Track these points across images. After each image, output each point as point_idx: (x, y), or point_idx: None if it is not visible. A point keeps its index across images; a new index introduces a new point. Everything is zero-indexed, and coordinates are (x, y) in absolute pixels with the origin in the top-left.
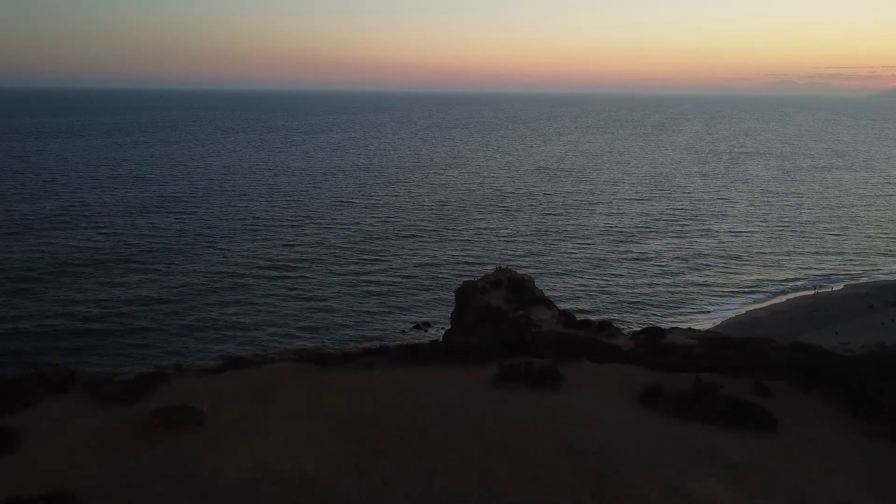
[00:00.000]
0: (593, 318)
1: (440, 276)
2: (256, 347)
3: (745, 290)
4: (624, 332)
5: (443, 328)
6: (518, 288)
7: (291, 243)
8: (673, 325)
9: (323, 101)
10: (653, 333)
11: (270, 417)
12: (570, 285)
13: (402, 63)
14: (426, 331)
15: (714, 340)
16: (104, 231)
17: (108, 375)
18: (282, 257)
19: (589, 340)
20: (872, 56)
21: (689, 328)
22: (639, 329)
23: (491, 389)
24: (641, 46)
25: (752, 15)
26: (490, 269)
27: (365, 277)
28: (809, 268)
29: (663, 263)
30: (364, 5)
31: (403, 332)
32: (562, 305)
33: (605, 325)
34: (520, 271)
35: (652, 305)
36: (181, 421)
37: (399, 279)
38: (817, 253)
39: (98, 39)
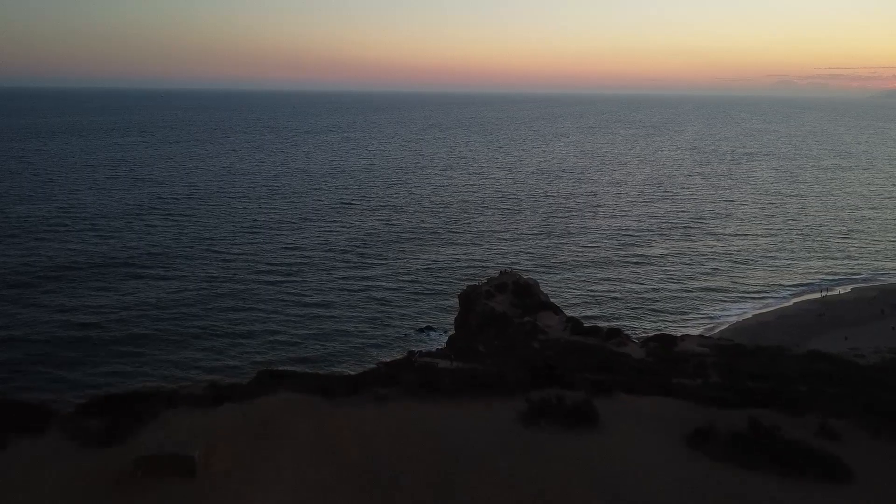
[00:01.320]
0: (600, 323)
1: (442, 278)
2: (256, 355)
3: (752, 294)
4: (633, 339)
5: (446, 332)
6: (523, 292)
7: (292, 246)
8: (681, 330)
9: (323, 101)
10: (664, 341)
11: (272, 464)
12: (575, 289)
13: (402, 63)
14: (429, 335)
15: (727, 349)
16: (102, 234)
17: (91, 403)
18: (282, 261)
19: (599, 348)
20: (873, 56)
21: (700, 335)
22: (648, 336)
23: (520, 429)
24: (641, 47)
25: (752, 15)
26: (494, 272)
27: (366, 281)
28: (816, 271)
29: (669, 267)
30: (364, 5)
31: (406, 336)
32: (567, 310)
33: (615, 333)
34: (523, 274)
35: (659, 310)
36: (169, 470)
37: (400, 282)
38: (823, 256)
39: (98, 39)
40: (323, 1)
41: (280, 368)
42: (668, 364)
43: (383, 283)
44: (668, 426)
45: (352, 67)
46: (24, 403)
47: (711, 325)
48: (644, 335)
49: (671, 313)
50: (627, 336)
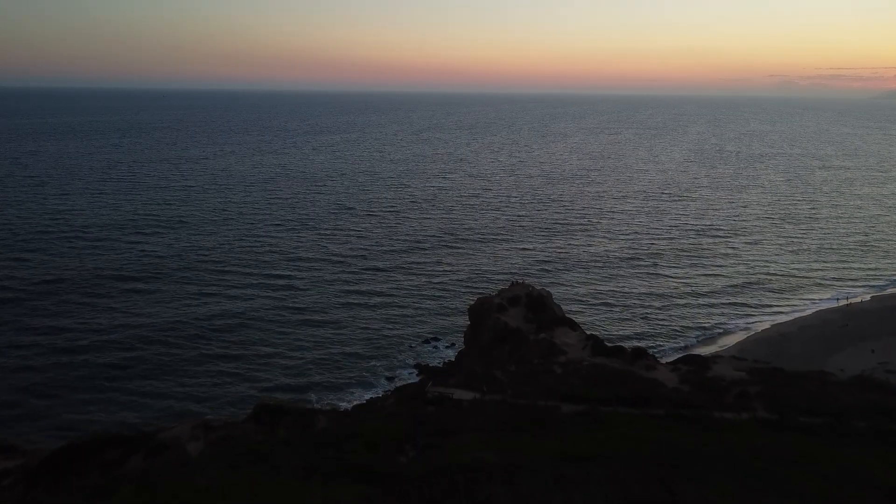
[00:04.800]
0: (618, 337)
1: (446, 286)
2: (255, 380)
3: (769, 304)
4: (660, 359)
5: (452, 343)
6: (537, 306)
7: (291, 256)
8: (699, 343)
9: (323, 102)
10: (695, 364)
11: None
12: (587, 301)
13: (402, 63)
14: (435, 347)
15: (765, 373)
16: (93, 243)
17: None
18: (281, 272)
19: (628, 375)
20: (874, 57)
21: (733, 357)
22: (676, 357)
23: None
24: (643, 47)
25: (753, 15)
26: (500, 279)
27: (368, 290)
28: (834, 279)
29: (681, 276)
30: (365, 5)
31: (411, 347)
32: (579, 320)
33: (640, 354)
34: (534, 284)
35: (676, 322)
36: None
37: (403, 290)
38: (840, 262)
39: (98, 39)
40: (323, 1)
41: (279, 399)
42: (706, 394)
43: (385, 292)
44: None
45: (352, 67)
46: None
47: (730, 337)
48: (661, 347)
49: (689, 326)
50: (654, 357)
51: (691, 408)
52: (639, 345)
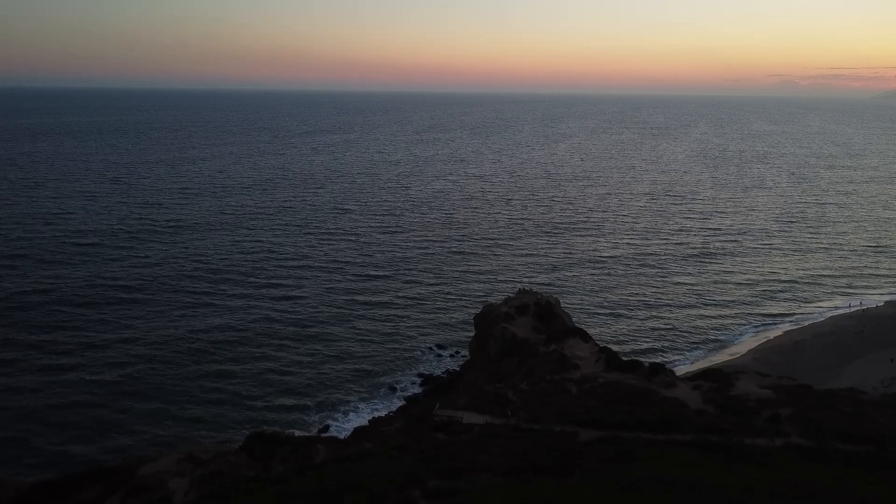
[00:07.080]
0: (629, 347)
1: (448, 292)
2: (250, 399)
3: (781, 310)
4: (674, 367)
5: (457, 352)
6: (546, 315)
7: (290, 263)
8: (712, 351)
9: (323, 102)
10: (717, 380)
11: None
12: (596, 307)
13: (402, 63)
14: (439, 355)
15: (793, 391)
16: (87, 250)
17: None
18: (280, 280)
19: (644, 392)
20: (874, 57)
21: (758, 373)
22: (691, 365)
23: None
24: (643, 46)
25: (754, 15)
26: (503, 283)
27: (367, 298)
28: (846, 284)
29: (692, 283)
30: (365, 5)
31: (414, 356)
32: (582, 324)
33: (658, 369)
34: (539, 290)
35: (689, 332)
36: None
37: (403, 296)
38: (851, 267)
39: (98, 39)
40: (324, 1)
41: (274, 428)
42: (733, 416)
43: (386, 300)
44: None
45: (352, 67)
46: None
47: (742, 345)
48: (675, 355)
49: (701, 334)
50: (673, 373)
51: (719, 433)
52: (652, 353)
